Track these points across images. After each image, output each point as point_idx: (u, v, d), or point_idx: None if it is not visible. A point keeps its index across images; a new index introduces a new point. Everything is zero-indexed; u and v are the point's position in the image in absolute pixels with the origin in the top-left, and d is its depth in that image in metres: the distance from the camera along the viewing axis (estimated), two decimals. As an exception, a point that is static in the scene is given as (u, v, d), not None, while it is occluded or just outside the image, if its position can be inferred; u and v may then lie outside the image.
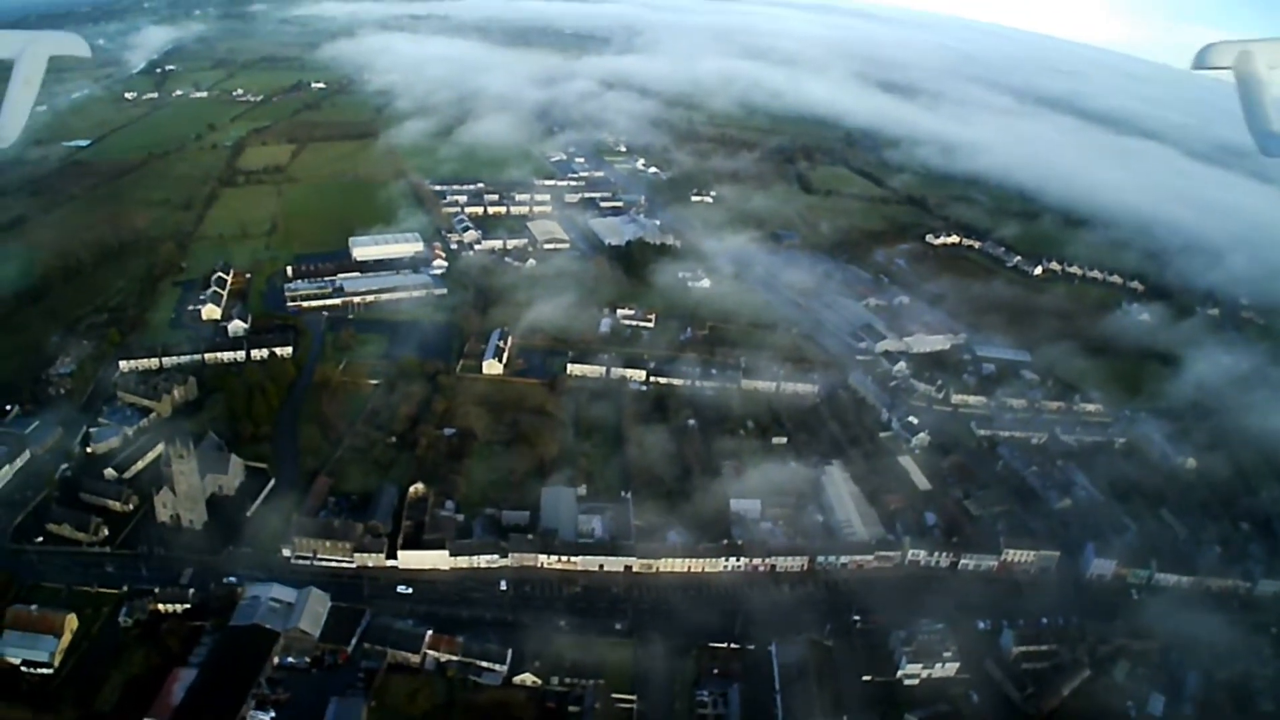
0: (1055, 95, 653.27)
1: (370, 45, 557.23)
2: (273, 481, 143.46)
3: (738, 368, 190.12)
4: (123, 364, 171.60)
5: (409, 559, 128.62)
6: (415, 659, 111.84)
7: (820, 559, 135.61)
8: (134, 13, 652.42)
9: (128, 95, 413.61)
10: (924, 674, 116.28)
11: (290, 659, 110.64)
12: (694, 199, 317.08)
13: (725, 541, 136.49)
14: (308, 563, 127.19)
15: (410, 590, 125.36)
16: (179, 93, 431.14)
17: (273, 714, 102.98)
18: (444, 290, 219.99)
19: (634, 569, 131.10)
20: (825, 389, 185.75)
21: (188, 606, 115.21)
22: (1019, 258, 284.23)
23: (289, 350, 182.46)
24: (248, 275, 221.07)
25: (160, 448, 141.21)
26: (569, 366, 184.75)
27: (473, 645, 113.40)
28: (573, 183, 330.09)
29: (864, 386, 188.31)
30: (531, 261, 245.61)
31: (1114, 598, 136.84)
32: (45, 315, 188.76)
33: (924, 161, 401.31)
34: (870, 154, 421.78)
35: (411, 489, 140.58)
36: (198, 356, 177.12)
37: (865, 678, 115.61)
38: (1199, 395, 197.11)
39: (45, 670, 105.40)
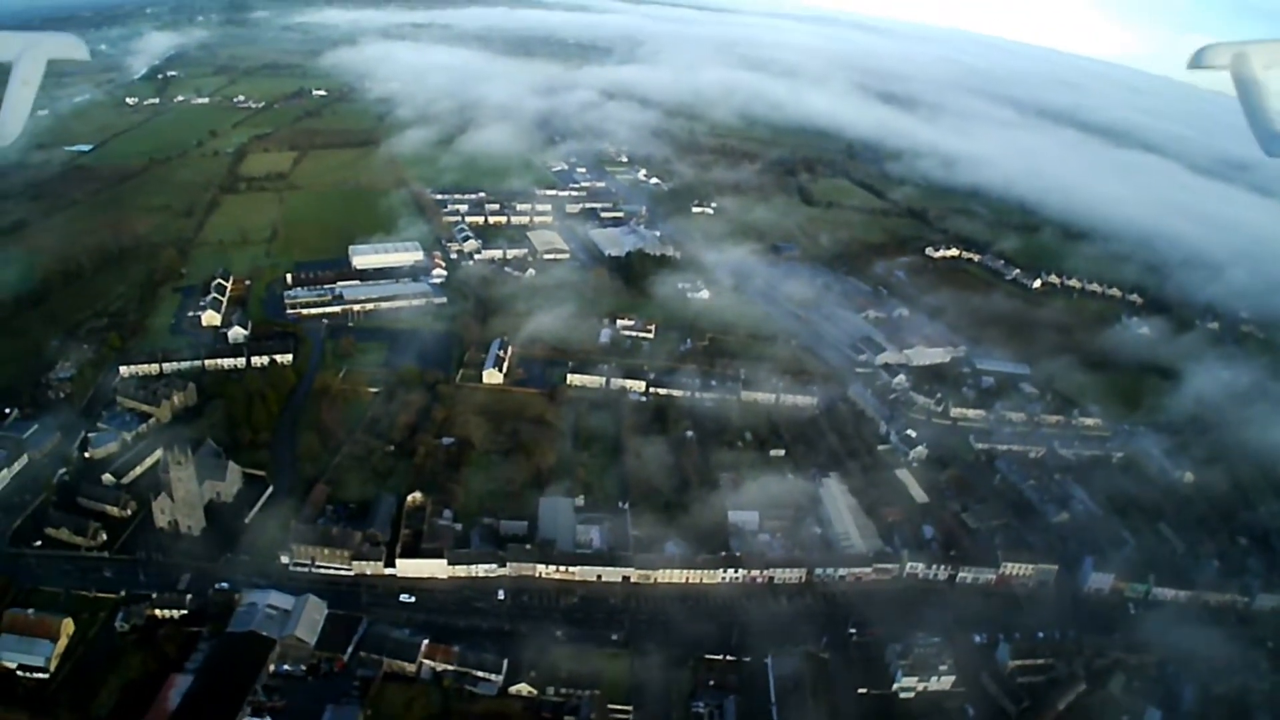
0: (1057, 108, 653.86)
1: (372, 53, 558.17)
2: (270, 489, 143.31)
3: (737, 379, 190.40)
4: (122, 369, 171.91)
5: (407, 567, 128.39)
6: (411, 668, 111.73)
7: (818, 571, 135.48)
8: (136, 18, 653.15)
9: (129, 100, 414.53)
10: (920, 687, 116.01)
11: (286, 666, 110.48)
12: (695, 210, 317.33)
13: (723, 553, 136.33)
14: (305, 570, 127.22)
15: (414, 599, 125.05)
16: (180, 98, 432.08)
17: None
18: (444, 299, 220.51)
19: (632, 580, 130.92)
20: (824, 401, 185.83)
21: (184, 612, 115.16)
22: (1018, 271, 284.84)
23: (289, 357, 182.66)
24: (248, 282, 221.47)
25: (159, 453, 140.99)
26: (569, 377, 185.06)
27: (469, 655, 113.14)
28: (574, 193, 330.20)
29: (863, 399, 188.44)
30: (531, 271, 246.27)
31: (1111, 612, 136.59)
32: (45, 319, 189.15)
33: (925, 174, 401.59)
34: (871, 166, 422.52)
35: (410, 498, 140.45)
36: (197, 363, 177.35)
37: (861, 691, 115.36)
38: (1198, 409, 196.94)
39: (41, 674, 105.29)
